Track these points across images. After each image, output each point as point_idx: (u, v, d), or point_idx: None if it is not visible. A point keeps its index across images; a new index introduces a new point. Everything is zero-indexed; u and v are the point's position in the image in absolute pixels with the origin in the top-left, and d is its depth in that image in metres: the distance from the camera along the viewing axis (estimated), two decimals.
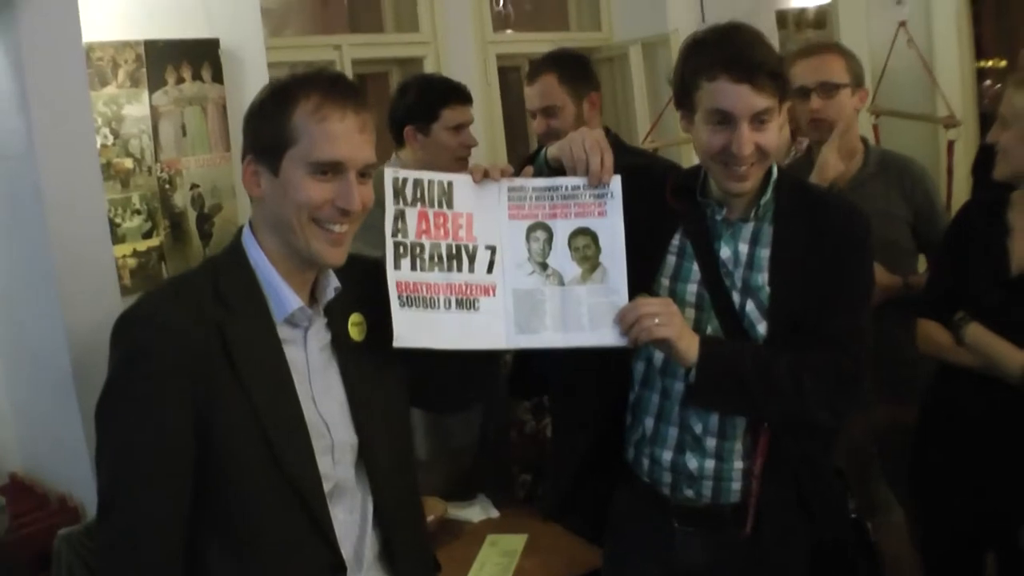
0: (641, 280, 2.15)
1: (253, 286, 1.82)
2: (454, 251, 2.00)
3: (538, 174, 2.13)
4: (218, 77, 3.58)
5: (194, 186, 3.52)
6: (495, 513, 3.28)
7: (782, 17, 6.29)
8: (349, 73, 4.64)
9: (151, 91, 3.39)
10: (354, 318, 1.93)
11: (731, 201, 2.23)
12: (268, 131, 1.78)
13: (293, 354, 1.83)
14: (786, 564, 2.28)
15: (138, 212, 3.36)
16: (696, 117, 2.16)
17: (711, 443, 2.24)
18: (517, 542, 3.06)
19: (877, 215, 2.95)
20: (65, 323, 2.95)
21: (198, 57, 3.52)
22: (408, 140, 3.46)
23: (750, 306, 2.19)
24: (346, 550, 1.86)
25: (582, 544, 2.93)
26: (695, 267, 2.23)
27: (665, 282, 2.25)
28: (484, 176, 2.05)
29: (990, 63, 9.71)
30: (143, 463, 1.70)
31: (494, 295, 2.01)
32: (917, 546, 3.18)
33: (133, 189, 3.35)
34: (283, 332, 1.83)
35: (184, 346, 1.71)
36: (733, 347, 2.15)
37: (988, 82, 9.66)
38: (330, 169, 1.78)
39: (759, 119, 2.09)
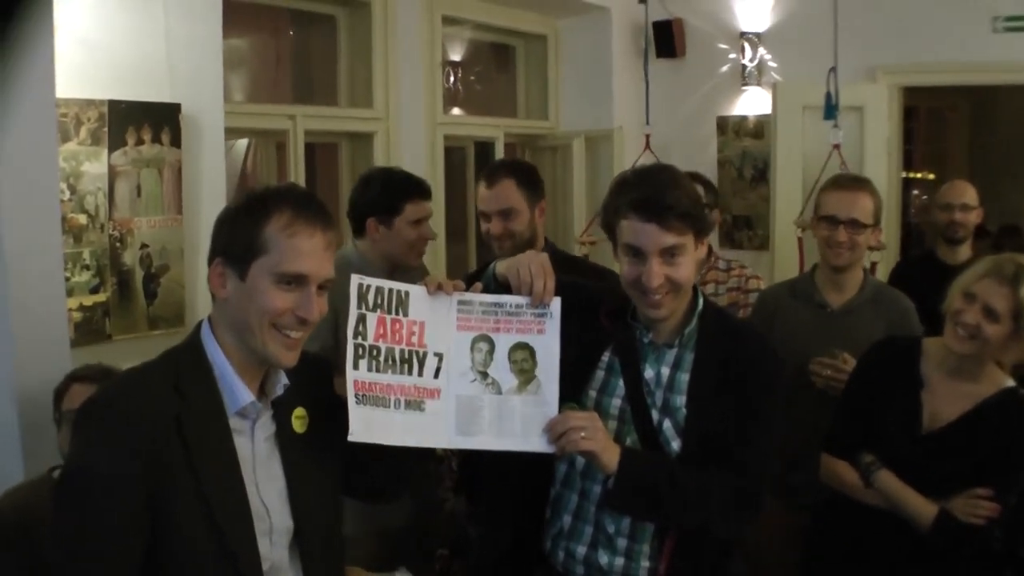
0: (572, 390, 2.33)
1: (209, 379, 1.92)
2: (406, 356, 2.16)
3: (486, 287, 2.31)
4: (176, 141, 3.69)
5: (144, 246, 3.60)
6: None
7: (722, 123, 6.57)
8: (301, 143, 4.78)
9: (111, 150, 3.48)
10: (298, 412, 2.05)
11: (657, 326, 2.40)
12: (240, 238, 1.90)
13: (241, 443, 1.94)
14: None
15: (87, 267, 3.43)
16: (618, 249, 2.36)
17: (622, 543, 2.40)
18: None
19: (862, 344, 3.20)
20: (15, 376, 3.00)
21: (159, 120, 3.62)
22: (369, 231, 3.58)
23: (667, 424, 2.35)
24: None
25: None
26: (621, 383, 2.40)
27: (593, 394, 2.42)
28: (438, 289, 2.21)
29: (919, 175, 10.13)
30: (101, 545, 1.78)
31: (439, 398, 2.18)
32: None
33: (85, 245, 3.43)
34: (233, 423, 1.94)
35: (145, 434, 1.80)
36: (650, 461, 2.32)
37: (916, 192, 10.06)
38: (294, 281, 1.91)
39: (669, 254, 2.27)
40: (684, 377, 2.38)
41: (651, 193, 2.27)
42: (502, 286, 2.32)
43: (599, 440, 2.20)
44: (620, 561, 2.40)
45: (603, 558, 2.40)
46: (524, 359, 2.23)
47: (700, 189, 3.72)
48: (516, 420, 2.20)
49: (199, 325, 2.00)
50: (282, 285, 1.91)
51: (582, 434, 2.17)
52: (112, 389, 1.95)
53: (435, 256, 4.91)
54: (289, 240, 1.89)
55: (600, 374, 2.43)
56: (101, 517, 1.77)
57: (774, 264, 6.11)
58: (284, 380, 2.01)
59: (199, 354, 1.95)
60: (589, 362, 2.44)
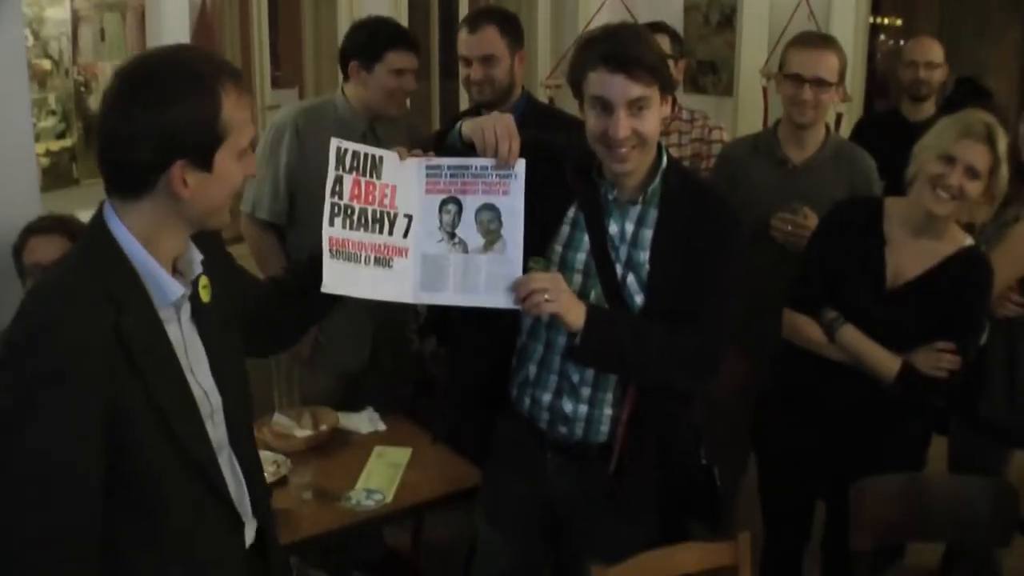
0: (538, 244, 2.43)
1: (135, 277, 1.81)
2: (378, 216, 2.26)
3: (451, 146, 2.40)
4: None
5: None
6: (382, 426, 3.47)
7: None
8: None
9: None
10: (203, 281, 1.97)
11: (622, 183, 2.47)
12: (198, 131, 1.77)
13: (172, 332, 1.89)
14: (639, 500, 2.60)
15: (53, 113, 3.43)
16: (585, 104, 2.41)
17: (586, 391, 2.54)
18: (402, 455, 3.26)
19: (822, 200, 3.32)
20: None
21: None
22: (352, 75, 3.64)
23: (631, 279, 2.45)
24: (238, 507, 2.00)
25: (463, 463, 3.17)
26: (586, 238, 2.49)
27: (559, 248, 2.50)
28: (408, 155, 2.30)
29: (886, 20, 10.08)
30: (59, 476, 1.71)
31: (407, 257, 2.29)
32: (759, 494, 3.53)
33: (50, 90, 3.41)
34: (163, 313, 1.87)
35: (93, 358, 1.71)
36: (614, 319, 2.42)
37: (883, 37, 10.03)
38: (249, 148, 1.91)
39: (636, 106, 2.33)
40: (648, 233, 2.46)
41: (619, 46, 2.33)
42: (468, 146, 2.37)
43: (562, 301, 2.29)
44: (584, 408, 2.54)
45: (567, 406, 2.54)
46: (491, 220, 2.31)
47: (666, 39, 3.79)
48: (481, 277, 2.30)
49: (100, 221, 1.83)
50: (244, 158, 1.86)
51: (545, 296, 2.26)
52: (45, 313, 1.75)
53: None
54: (243, 113, 1.83)
55: (566, 229, 2.51)
56: (60, 465, 1.70)
57: (738, 110, 6.17)
58: (199, 256, 1.94)
59: (117, 253, 1.80)
60: (555, 217, 2.52)
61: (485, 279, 2.30)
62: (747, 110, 5.94)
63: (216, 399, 1.97)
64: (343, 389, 3.74)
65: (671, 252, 2.45)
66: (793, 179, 3.54)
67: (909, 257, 3.07)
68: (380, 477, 3.13)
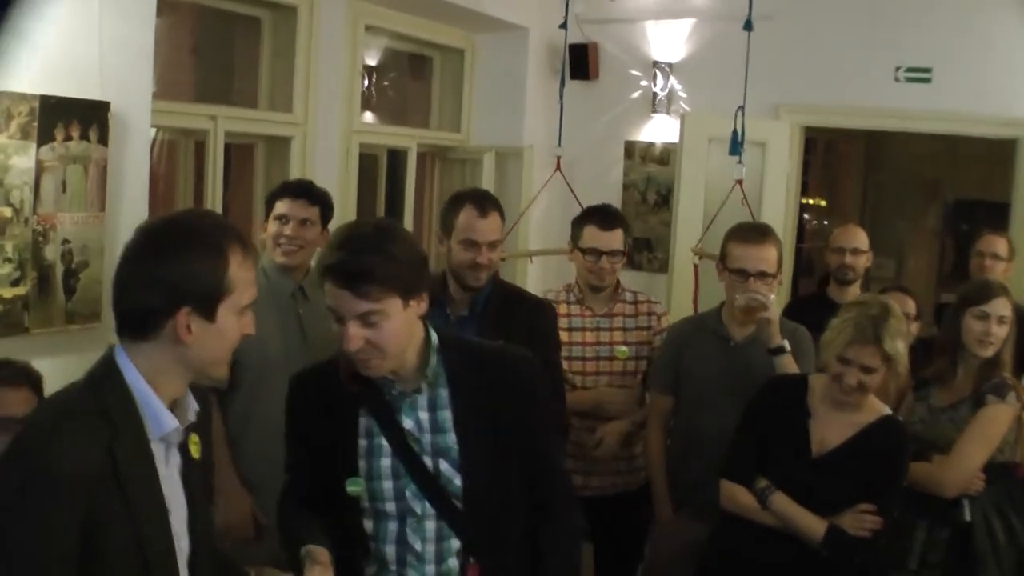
0: (344, 467, 2.43)
1: (132, 405, 1.94)
2: None
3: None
4: (104, 139, 3.69)
5: (66, 241, 3.60)
6: None
7: (630, 148, 6.76)
8: (221, 143, 4.81)
9: (39, 145, 3.48)
10: (193, 438, 2.11)
11: (399, 375, 2.42)
12: (206, 283, 1.94)
13: (159, 467, 1.99)
14: None
15: (9, 260, 3.42)
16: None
17: None
18: None
19: (763, 372, 3.57)
20: None
21: (88, 117, 3.62)
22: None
23: (444, 465, 2.42)
24: None
25: None
26: (384, 442, 2.43)
27: (362, 463, 2.44)
28: None
29: (811, 201, 10.50)
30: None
31: None
32: None
33: (8, 238, 3.41)
34: (153, 446, 1.97)
35: (83, 472, 1.82)
36: None
37: (807, 216, 10.43)
38: (250, 307, 2.05)
39: (367, 320, 2.28)
40: (446, 415, 2.44)
41: (346, 258, 2.28)
42: None
43: None
44: None
45: None
46: None
47: (619, 233, 4.02)
48: None
49: (111, 355, 2.00)
50: (242, 315, 2.03)
51: None
52: (46, 423, 1.91)
53: None
54: (248, 274, 2.01)
55: (363, 442, 2.45)
56: (34, 557, 1.78)
57: (671, 286, 6.30)
58: (195, 405, 2.08)
59: (119, 380, 1.95)
60: (348, 434, 2.46)
61: None
62: (680, 287, 6.08)
63: (185, 546, 2.03)
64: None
65: (477, 425, 2.44)
66: (736, 354, 3.76)
67: (832, 427, 3.32)
68: None
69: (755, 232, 3.85)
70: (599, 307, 4.23)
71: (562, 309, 4.20)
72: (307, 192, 3.86)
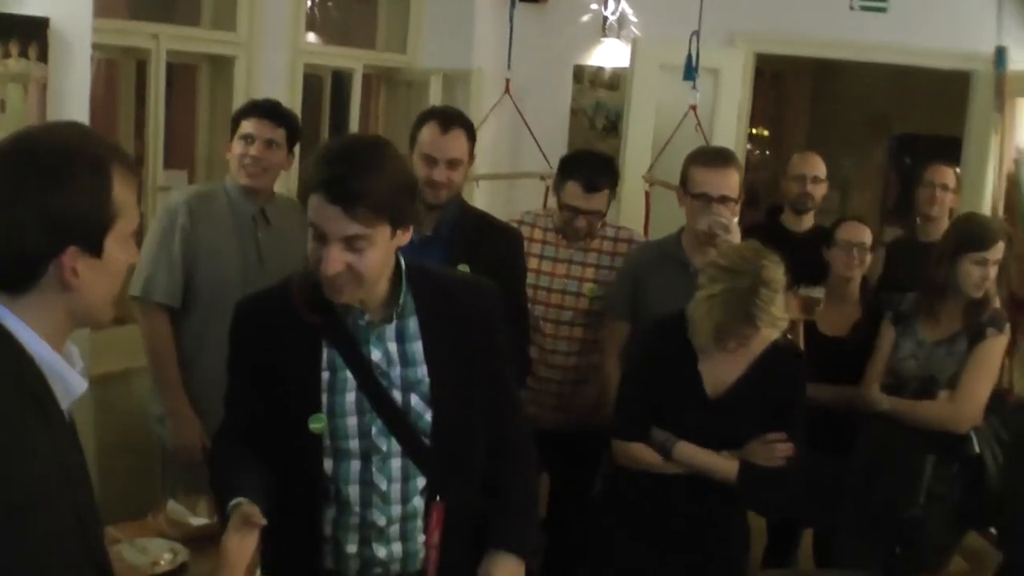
0: (306, 404, 2.28)
1: (42, 378, 1.64)
2: None
3: None
4: (44, 57, 3.55)
5: None
6: None
7: (579, 72, 6.66)
8: (163, 63, 4.65)
9: None
10: None
11: (369, 305, 2.30)
12: (88, 214, 1.63)
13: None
14: None
15: None
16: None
17: (395, 530, 2.37)
18: None
19: None
20: None
21: (27, 34, 3.48)
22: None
23: (414, 400, 2.32)
24: None
25: None
26: (349, 376, 2.30)
27: (324, 399, 2.30)
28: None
29: (754, 131, 10.53)
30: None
31: None
32: None
33: None
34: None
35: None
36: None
37: (749, 146, 10.46)
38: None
39: (353, 244, 2.13)
40: (417, 347, 2.34)
41: (344, 173, 2.12)
42: None
43: None
44: (397, 547, 2.37)
45: (380, 551, 2.37)
46: None
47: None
48: None
49: None
50: (127, 243, 1.73)
51: None
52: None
53: (287, 181, 4.84)
54: (131, 195, 1.70)
55: (326, 375, 2.31)
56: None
57: (619, 215, 6.27)
58: (77, 350, 1.77)
59: (21, 353, 1.61)
60: (308, 367, 2.30)
61: None
62: (630, 214, 6.06)
63: None
64: None
65: (445, 357, 2.35)
66: (696, 281, 3.62)
67: (723, 366, 3.23)
68: None
69: (718, 157, 3.82)
70: (575, 240, 4.12)
71: (536, 235, 4.12)
72: (274, 112, 3.78)
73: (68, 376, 1.67)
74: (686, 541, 3.25)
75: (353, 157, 2.17)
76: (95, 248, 1.64)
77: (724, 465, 3.18)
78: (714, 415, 3.21)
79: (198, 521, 3.17)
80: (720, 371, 3.23)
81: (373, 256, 2.16)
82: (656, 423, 3.24)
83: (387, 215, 2.15)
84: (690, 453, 3.19)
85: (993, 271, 3.65)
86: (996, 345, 3.63)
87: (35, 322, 1.63)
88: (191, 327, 3.71)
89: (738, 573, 3.43)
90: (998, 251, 3.66)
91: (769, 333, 3.14)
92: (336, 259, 2.13)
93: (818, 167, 4.95)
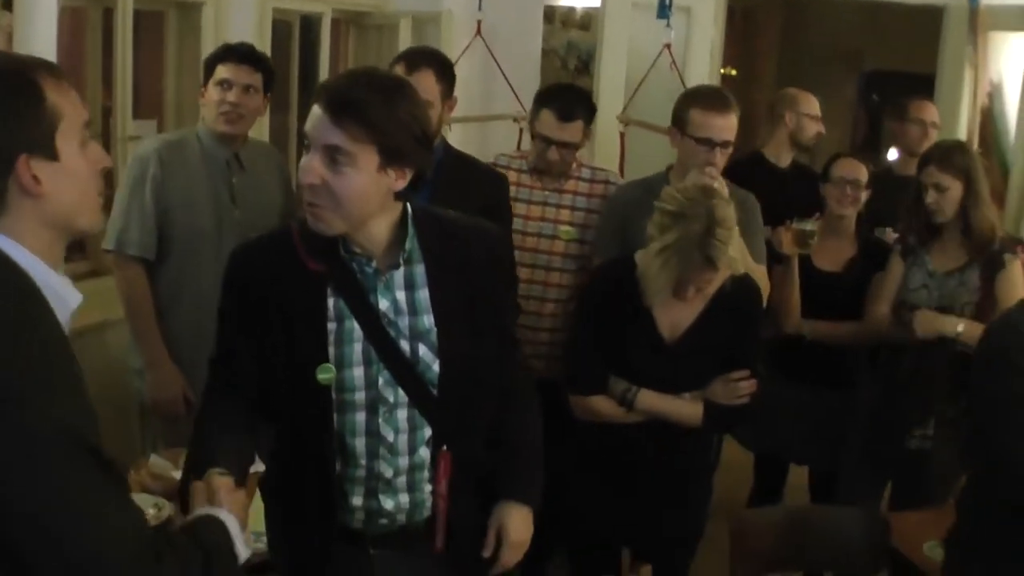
0: (313, 354, 2.22)
1: (41, 297, 1.65)
2: None
3: None
4: (8, 5, 3.49)
5: None
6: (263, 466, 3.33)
7: (550, 12, 6.61)
8: (130, 9, 4.58)
9: None
10: None
11: (374, 251, 2.23)
12: (31, 120, 1.67)
13: None
14: (474, 563, 2.45)
15: None
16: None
17: (401, 481, 2.34)
18: None
19: None
20: None
21: None
22: (200, 98, 3.74)
23: (423, 350, 2.27)
24: None
25: None
26: (356, 326, 2.24)
27: (331, 350, 2.24)
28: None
29: (723, 70, 10.49)
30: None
31: None
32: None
33: None
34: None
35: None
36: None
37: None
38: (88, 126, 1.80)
39: (333, 157, 2.07)
40: (423, 294, 2.28)
41: (343, 86, 2.13)
42: None
43: None
44: (404, 497, 2.35)
45: (388, 503, 2.35)
46: None
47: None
48: None
49: None
50: (85, 138, 1.76)
51: None
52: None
53: (259, 126, 4.80)
54: (68, 95, 1.72)
55: (331, 327, 2.24)
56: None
57: (593, 155, 6.25)
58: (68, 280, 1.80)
59: (19, 274, 1.65)
60: (314, 317, 2.23)
61: None
62: (604, 155, 6.05)
63: None
64: None
65: (454, 304, 2.30)
66: None
67: (677, 308, 3.16)
68: None
69: (722, 99, 3.72)
70: (550, 180, 4.05)
71: (511, 177, 4.01)
72: (251, 57, 3.72)
73: (62, 289, 1.72)
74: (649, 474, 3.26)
75: (366, 79, 2.16)
76: (47, 151, 1.69)
77: (689, 410, 3.17)
78: (672, 359, 3.16)
79: (179, 474, 3.16)
80: (675, 314, 3.17)
81: (352, 181, 2.08)
82: (612, 372, 3.20)
83: (376, 140, 2.07)
84: (653, 401, 3.16)
85: (955, 188, 3.68)
86: (1018, 269, 3.67)
87: (21, 239, 1.68)
88: (166, 276, 3.68)
89: (705, 489, 3.46)
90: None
91: (724, 273, 3.08)
92: (314, 168, 2.07)
93: (816, 104, 4.94)
